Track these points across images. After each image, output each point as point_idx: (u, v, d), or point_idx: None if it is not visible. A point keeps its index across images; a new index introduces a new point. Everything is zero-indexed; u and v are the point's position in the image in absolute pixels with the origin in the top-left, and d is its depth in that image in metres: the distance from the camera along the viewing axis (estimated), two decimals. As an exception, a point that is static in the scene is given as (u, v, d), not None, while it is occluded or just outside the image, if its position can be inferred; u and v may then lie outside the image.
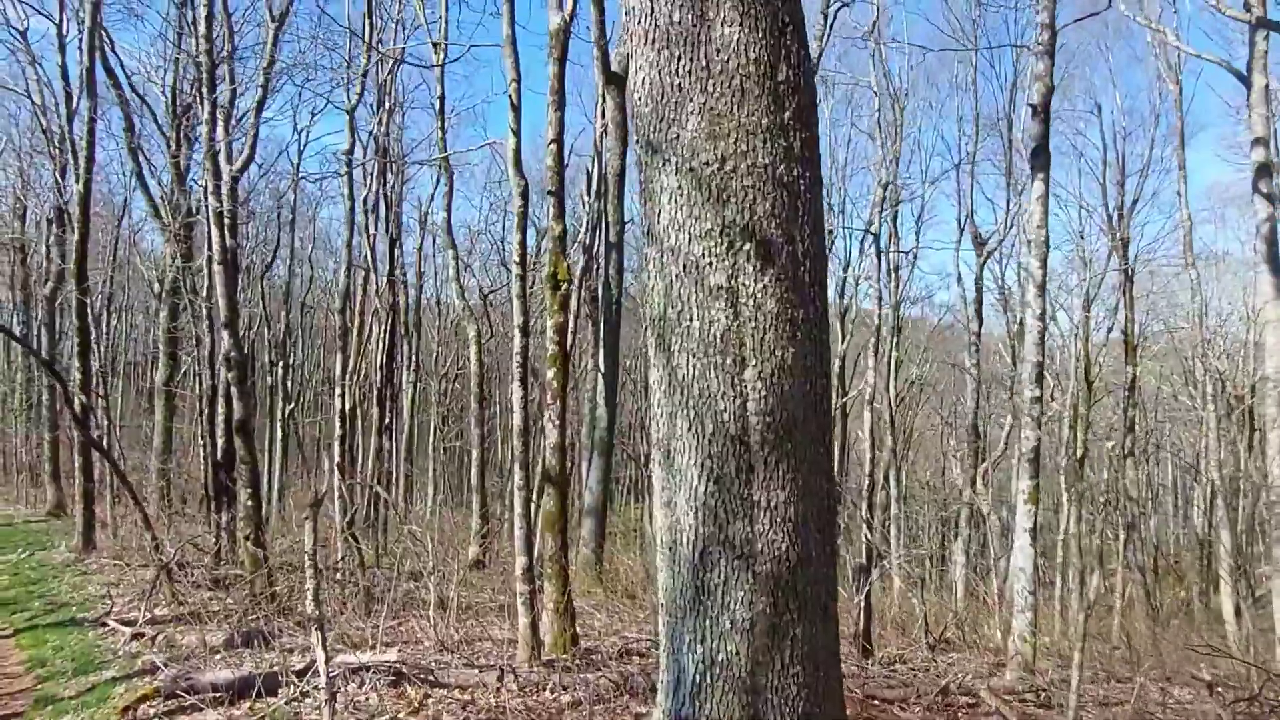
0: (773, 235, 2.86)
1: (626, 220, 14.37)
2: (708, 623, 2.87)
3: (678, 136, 2.87)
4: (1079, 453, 21.32)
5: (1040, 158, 6.28)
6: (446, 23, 13.00)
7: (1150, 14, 14.55)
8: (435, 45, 13.75)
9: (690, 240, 2.86)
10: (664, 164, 2.90)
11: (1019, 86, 21.30)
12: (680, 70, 2.86)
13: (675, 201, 2.88)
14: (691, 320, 2.87)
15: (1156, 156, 23.49)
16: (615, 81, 12.42)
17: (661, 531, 3.04)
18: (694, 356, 2.88)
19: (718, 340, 2.85)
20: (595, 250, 14.46)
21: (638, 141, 3.04)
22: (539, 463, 8.33)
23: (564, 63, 6.66)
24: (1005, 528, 21.25)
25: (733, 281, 2.84)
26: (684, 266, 2.88)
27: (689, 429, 2.90)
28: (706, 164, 2.84)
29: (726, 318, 2.84)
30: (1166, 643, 10.84)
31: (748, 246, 2.84)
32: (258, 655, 6.50)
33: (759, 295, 2.84)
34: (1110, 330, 25.03)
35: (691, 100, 2.85)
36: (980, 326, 20.85)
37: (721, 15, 2.83)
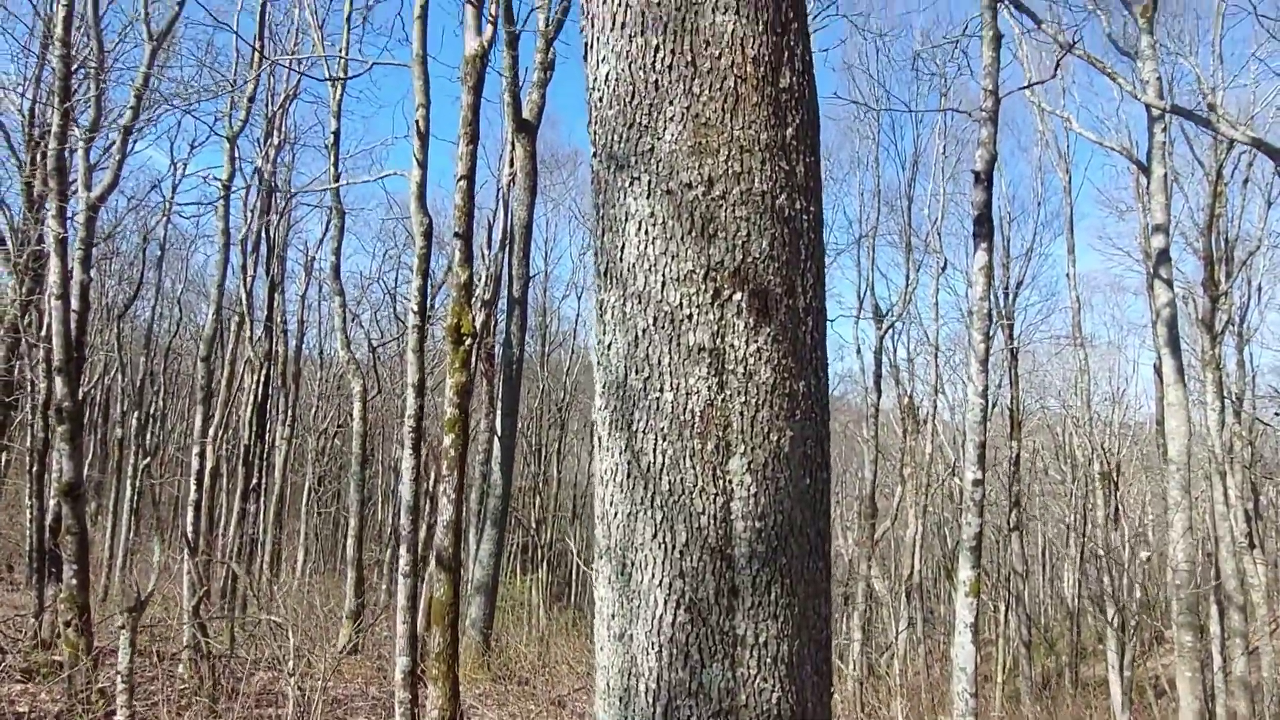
0: (770, 283, 2.20)
1: (532, 274, 13.66)
2: (672, 807, 2.09)
3: (652, 149, 2.19)
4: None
5: (983, 226, 6.00)
6: (347, 47, 12.15)
7: (1047, 103, 15.19)
8: (334, 81, 12.84)
9: (665, 285, 2.16)
10: (632, 183, 2.21)
11: (920, 164, 22.04)
12: (659, 64, 2.19)
13: (646, 233, 2.18)
14: (663, 390, 2.15)
15: (1036, 242, 24.76)
16: (525, 128, 11.83)
17: (609, 673, 2.25)
18: (664, 439, 2.15)
19: (696, 418, 2.14)
20: (495, 307, 13.63)
21: (596, 155, 2.34)
22: (428, 540, 7.32)
23: (479, 91, 5.98)
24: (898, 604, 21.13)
25: (718, 341, 2.14)
26: (655, 319, 2.17)
27: (654, 536, 2.16)
28: (689, 185, 2.16)
29: (709, 389, 2.14)
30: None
31: (739, 297, 2.16)
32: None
33: (751, 360, 2.15)
34: (994, 407, 25.85)
35: (672, 103, 2.18)
36: (879, 398, 21.01)
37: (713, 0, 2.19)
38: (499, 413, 12.69)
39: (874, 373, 20.72)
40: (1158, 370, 14.12)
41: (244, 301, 14.60)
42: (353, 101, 46.22)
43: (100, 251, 19.71)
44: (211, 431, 11.45)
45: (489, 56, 6.31)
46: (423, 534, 8.47)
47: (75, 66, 10.66)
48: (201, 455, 10.36)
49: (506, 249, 12.80)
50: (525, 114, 11.85)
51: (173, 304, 26.42)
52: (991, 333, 24.95)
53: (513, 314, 12.79)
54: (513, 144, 12.13)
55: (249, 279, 14.19)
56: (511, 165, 12.14)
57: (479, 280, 13.85)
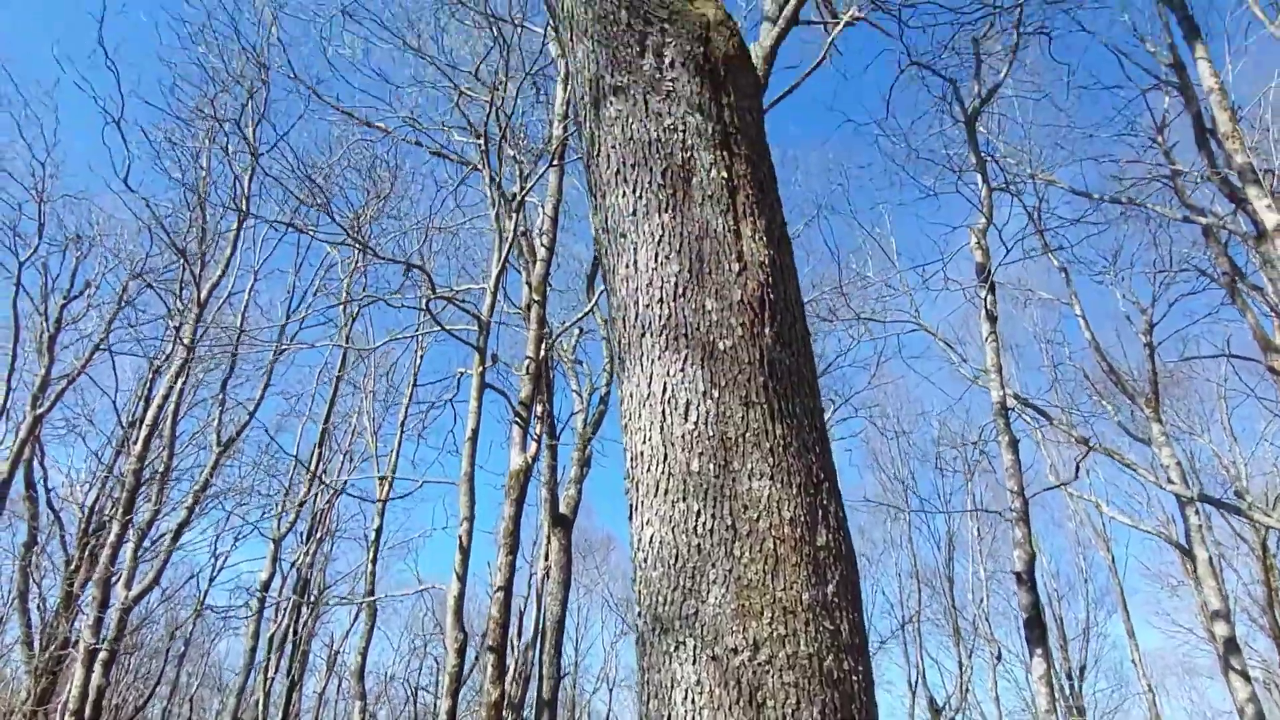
0: (826, 761, 2.06)
1: (563, 674, 13.04)
2: None
3: (696, 613, 2.22)
4: None
5: (1034, 630, 5.75)
6: (398, 456, 12.98)
7: (1075, 490, 15.46)
8: (382, 479, 13.55)
9: (716, 762, 2.04)
10: (678, 647, 2.20)
11: (955, 542, 21.85)
12: (701, 529, 2.31)
13: (694, 702, 2.12)
14: None
15: (1091, 620, 23.50)
16: (561, 523, 12.11)
17: None
18: None
19: None
20: (523, 710, 12.82)
21: (640, 615, 2.37)
22: None
23: (521, 503, 6.25)
24: None
25: (773, 833, 1.97)
26: (706, 797, 2.02)
27: None
28: (735, 651, 2.14)
29: None
30: None
31: (794, 773, 2.02)
32: None
33: None
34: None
35: (715, 566, 2.26)
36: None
37: (749, 467, 2.38)
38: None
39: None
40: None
41: (260, 703, 13.88)
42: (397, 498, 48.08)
43: (123, 645, 19.32)
44: None
45: (532, 469, 6.69)
46: None
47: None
48: None
49: (538, 645, 12.38)
50: (562, 508, 12.23)
51: (183, 701, 25.15)
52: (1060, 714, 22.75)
53: (541, 718, 11.96)
54: (549, 538, 12.34)
55: (269, 680, 13.65)
56: (546, 559, 12.23)
57: (506, 677, 13.20)
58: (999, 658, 20.59)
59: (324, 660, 21.17)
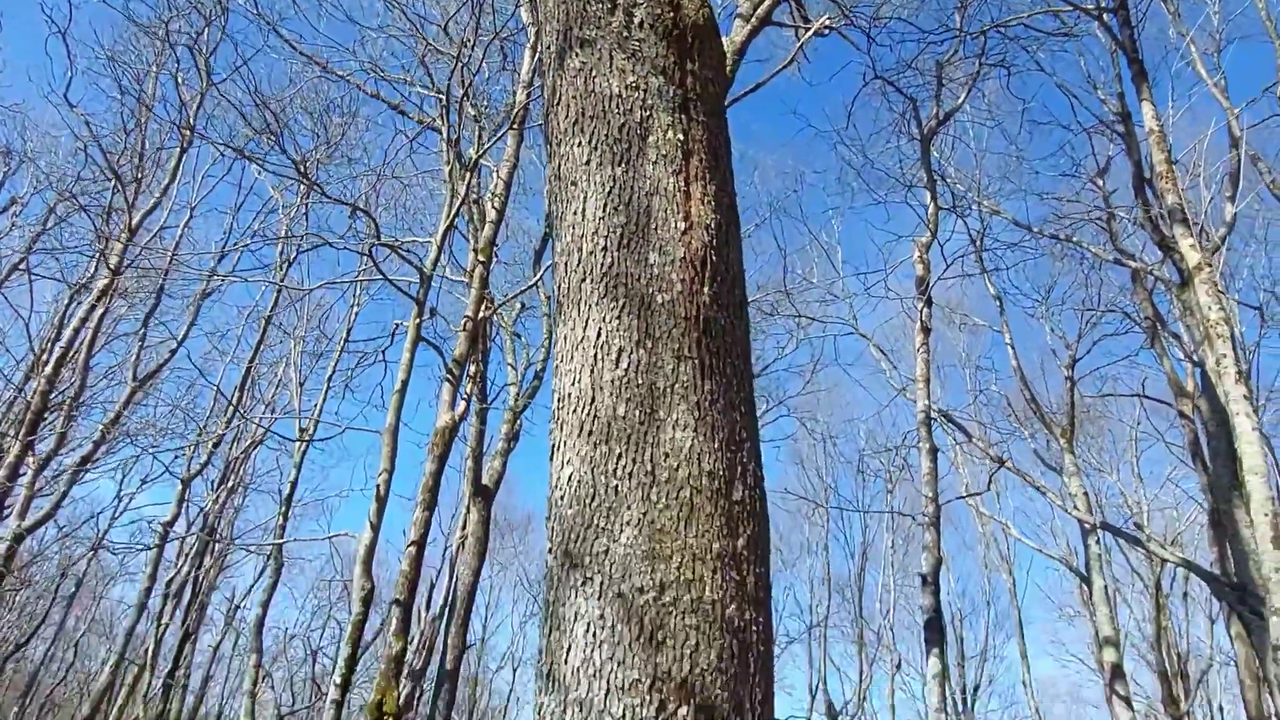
0: (717, 698, 2.11)
1: (468, 646, 12.95)
2: None
3: (607, 550, 2.24)
4: None
5: (934, 631, 5.96)
6: (323, 406, 12.70)
7: (985, 509, 15.99)
8: (303, 431, 13.24)
9: (609, 693, 2.07)
10: (584, 583, 2.22)
11: (869, 554, 22.35)
12: (620, 471, 2.33)
13: (594, 635, 2.14)
14: (599, 818, 1.95)
15: (990, 643, 24.35)
16: (483, 493, 12.03)
17: None
18: None
19: None
20: (424, 677, 12.71)
21: (551, 551, 2.39)
22: None
23: (444, 461, 6.19)
24: None
25: (663, 769, 2.00)
26: (597, 732, 2.03)
27: None
28: (641, 590, 2.17)
29: (650, 826, 1.94)
30: None
31: (684, 711, 2.06)
32: None
33: (695, 791, 1.99)
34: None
35: (630, 508, 2.28)
36: (834, 813, 18.98)
37: (674, 417, 2.40)
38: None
39: (827, 781, 18.95)
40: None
41: (150, 651, 13.44)
42: (316, 452, 47.11)
43: (8, 583, 18.46)
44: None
45: (458, 429, 6.63)
46: None
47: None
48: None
49: (446, 616, 12.27)
50: (485, 479, 12.13)
51: (69, 645, 24.18)
52: (950, 740, 23.52)
53: (441, 688, 11.86)
54: (469, 508, 12.23)
55: (162, 628, 13.22)
56: (464, 528, 12.13)
57: (411, 640, 13.06)
58: (899, 666, 21.20)
59: (223, 615, 20.61)
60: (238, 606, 19.15)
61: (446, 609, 12.34)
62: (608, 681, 2.08)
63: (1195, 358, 10.76)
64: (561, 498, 2.39)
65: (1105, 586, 10.19)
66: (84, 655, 26.35)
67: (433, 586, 15.20)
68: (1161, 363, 12.20)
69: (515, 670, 32.49)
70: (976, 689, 23.89)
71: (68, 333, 10.26)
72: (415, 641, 13.55)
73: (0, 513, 9.54)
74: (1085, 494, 11.94)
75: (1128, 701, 9.71)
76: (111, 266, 10.23)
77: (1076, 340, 13.33)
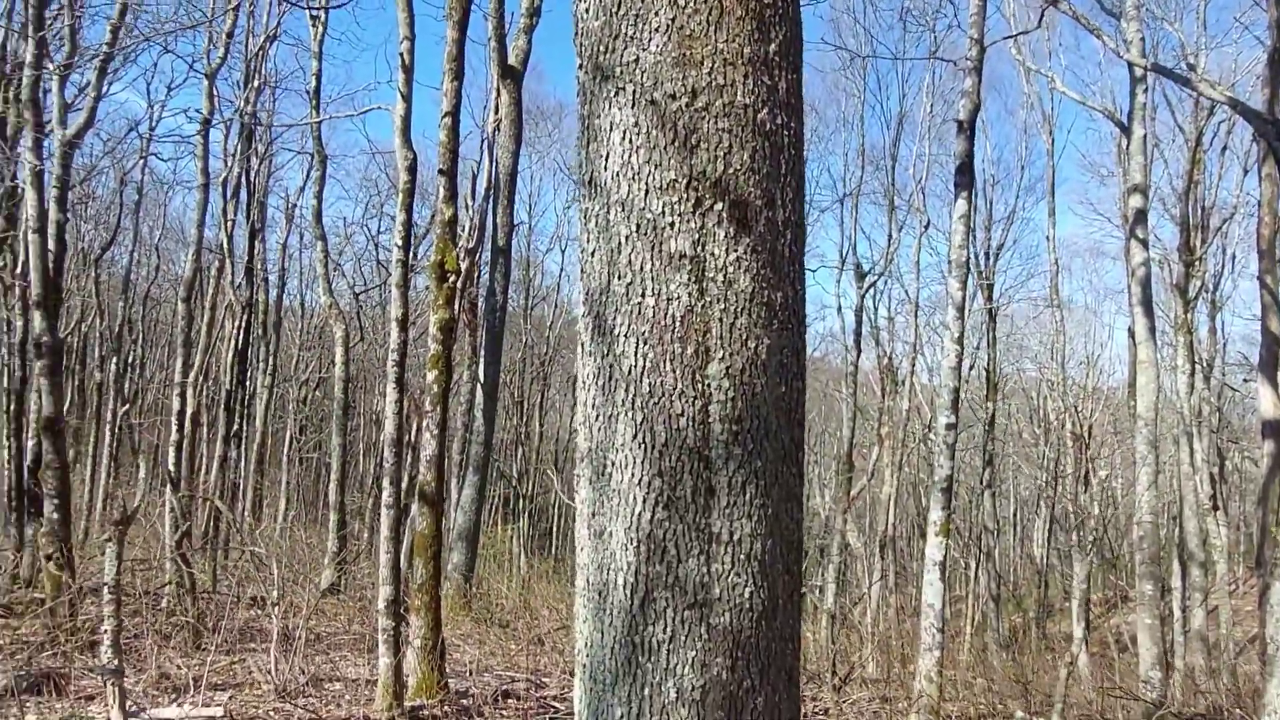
0: (750, 195, 2.26)
1: (516, 223, 13.62)
2: (647, 691, 2.21)
3: (637, 59, 2.23)
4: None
5: (965, 175, 6.07)
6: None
7: (1032, 63, 15.16)
8: (315, 20, 12.61)
9: (648, 193, 2.22)
10: (617, 93, 2.25)
11: (905, 124, 21.95)
12: (644, -19, 2.22)
13: (630, 141, 2.23)
14: (644, 296, 2.22)
15: (1019, 206, 24.81)
16: (511, 75, 11.72)
17: (588, 570, 2.35)
18: (645, 343, 2.23)
19: (677, 323, 2.21)
20: (479, 255, 13.58)
21: (581, 66, 2.39)
22: (411, 477, 7.40)
23: (464, 28, 5.94)
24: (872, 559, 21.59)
25: (699, 250, 2.21)
26: (638, 226, 2.23)
27: (634, 437, 2.24)
28: (673, 96, 2.21)
29: (689, 295, 2.21)
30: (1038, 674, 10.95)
31: (720, 206, 2.23)
32: (46, 705, 5.31)
33: (730, 269, 2.22)
34: (972, 368, 26.16)
35: (658, 14, 2.22)
36: (859, 357, 21.21)
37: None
38: (482, 362, 12.74)
39: (854, 331, 20.90)
40: (1131, 333, 14.36)
41: (224, 246, 14.46)
42: (334, 44, 45.17)
43: (76, 195, 19.33)
44: (192, 375, 11.43)
45: (475, -7, 6.24)
46: (406, 472, 8.57)
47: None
48: (182, 398, 10.34)
49: (491, 198, 12.73)
50: (511, 60, 11.72)
51: (150, 250, 26.06)
52: (970, 286, 25.27)
53: (496, 263, 12.77)
54: (498, 91, 12.00)
55: (229, 224, 14.04)
56: (497, 112, 12.03)
57: (463, 228, 13.79)
58: (926, 227, 22.03)
59: (283, 214, 21.69)
60: (294, 205, 20.09)
61: (491, 191, 12.77)
62: (646, 183, 2.22)
63: None
64: (587, 10, 2.33)
65: (1144, 136, 10.03)
66: (167, 258, 28.48)
67: (475, 175, 15.52)
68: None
69: (564, 251, 34.50)
70: (1000, 248, 24.96)
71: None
72: (466, 225, 14.22)
73: (42, 121, 9.65)
74: (1142, 39, 11.18)
75: (1144, 243, 10.14)
76: None
77: None
